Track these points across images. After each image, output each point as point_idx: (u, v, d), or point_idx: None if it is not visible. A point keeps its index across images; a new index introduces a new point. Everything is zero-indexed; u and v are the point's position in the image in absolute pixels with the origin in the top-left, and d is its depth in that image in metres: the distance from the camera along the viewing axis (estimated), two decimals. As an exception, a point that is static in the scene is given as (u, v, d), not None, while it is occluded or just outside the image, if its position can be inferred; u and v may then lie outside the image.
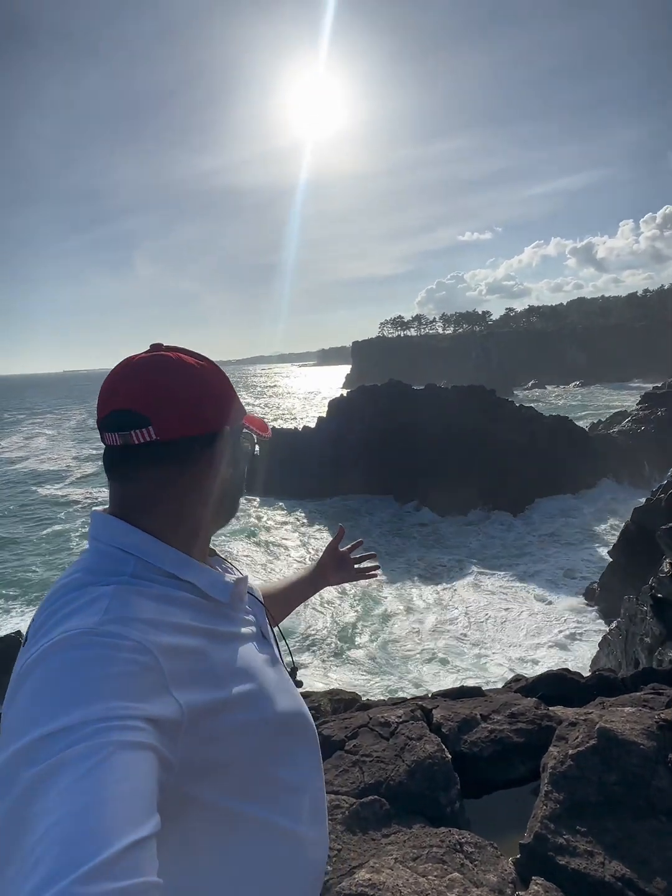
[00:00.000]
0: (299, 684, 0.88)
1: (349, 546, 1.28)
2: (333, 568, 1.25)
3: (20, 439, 58.19)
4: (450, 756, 2.57)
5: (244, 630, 0.74)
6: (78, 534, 24.90)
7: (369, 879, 1.90)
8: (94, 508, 0.72)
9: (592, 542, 20.88)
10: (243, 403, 0.81)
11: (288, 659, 0.88)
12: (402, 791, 2.40)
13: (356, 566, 1.27)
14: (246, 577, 0.79)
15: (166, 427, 0.67)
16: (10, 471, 42.00)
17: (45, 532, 25.60)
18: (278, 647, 0.86)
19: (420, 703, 3.04)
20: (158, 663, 0.55)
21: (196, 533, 0.72)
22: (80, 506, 29.86)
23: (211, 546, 0.90)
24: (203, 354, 0.76)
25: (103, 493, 31.07)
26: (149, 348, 0.74)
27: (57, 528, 26.16)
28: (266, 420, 0.89)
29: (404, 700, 3.31)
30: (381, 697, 4.41)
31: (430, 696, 3.46)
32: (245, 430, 0.81)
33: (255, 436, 0.83)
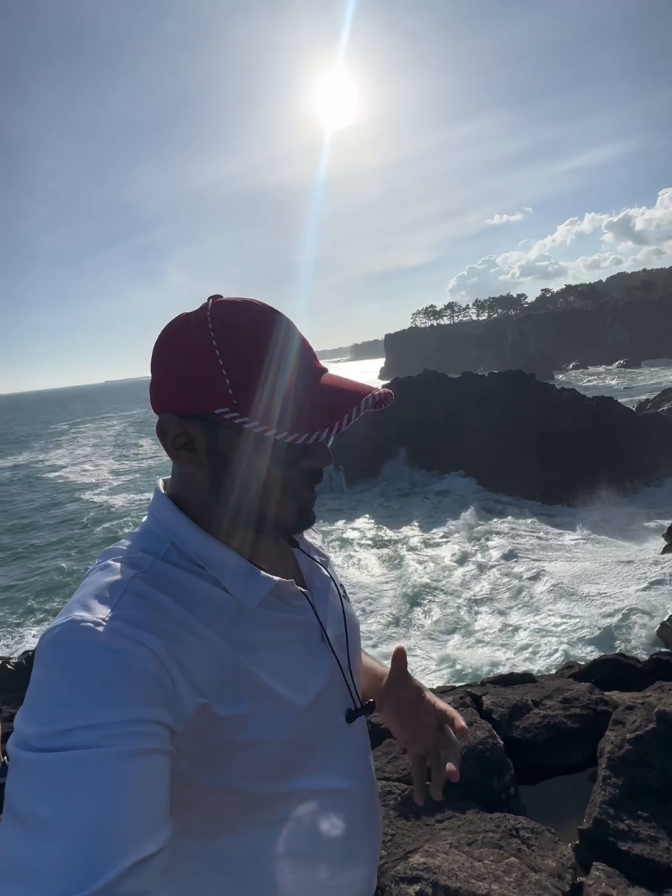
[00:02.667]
0: (370, 709, 0.78)
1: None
2: (395, 700, 0.84)
3: (65, 451, 60.68)
4: (502, 742, 2.53)
5: (288, 633, 0.67)
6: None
7: (424, 863, 1.90)
8: (158, 479, 0.71)
9: (649, 530, 20.05)
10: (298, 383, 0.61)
11: (354, 697, 0.75)
12: (454, 777, 2.38)
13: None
14: (290, 582, 0.69)
15: (158, 403, 0.63)
16: (53, 479, 43.99)
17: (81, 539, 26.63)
18: (351, 648, 0.77)
19: (469, 689, 3.01)
20: (165, 665, 0.53)
21: (237, 527, 0.65)
22: (117, 512, 30.84)
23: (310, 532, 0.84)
24: (269, 308, 0.63)
25: (139, 500, 32.20)
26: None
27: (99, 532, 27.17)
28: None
29: (453, 688, 3.28)
30: (443, 684, 4.39)
31: (479, 683, 3.42)
32: (242, 425, 0.59)
33: (278, 436, 0.58)
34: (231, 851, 0.62)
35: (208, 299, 0.64)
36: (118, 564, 0.60)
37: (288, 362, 0.61)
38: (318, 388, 0.62)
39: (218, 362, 0.59)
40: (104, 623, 0.52)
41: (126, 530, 27.01)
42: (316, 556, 0.81)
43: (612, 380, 69.61)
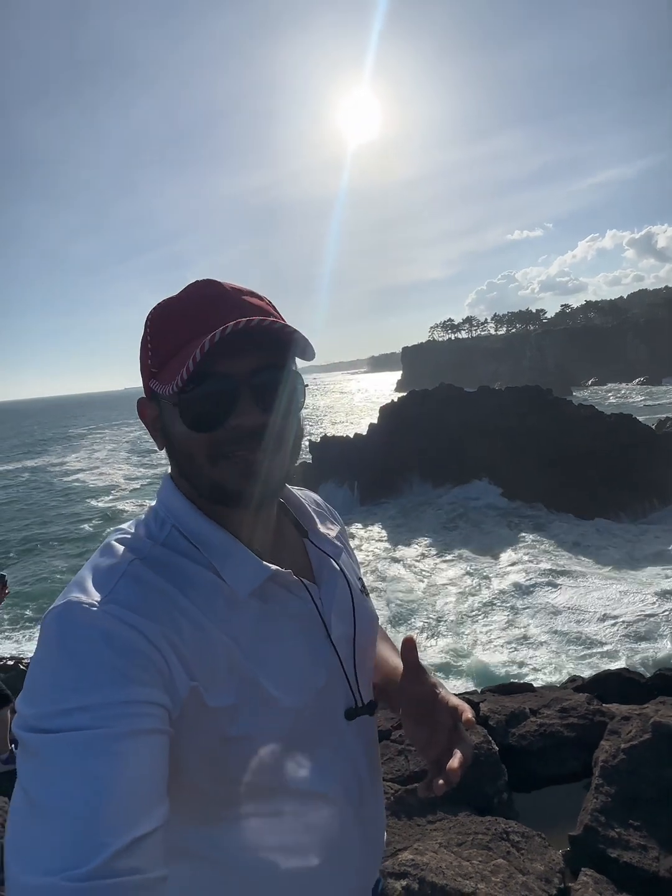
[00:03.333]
0: (372, 708, 0.74)
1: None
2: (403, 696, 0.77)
3: (84, 453, 61.68)
4: (496, 748, 2.55)
5: (275, 629, 0.65)
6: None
7: (412, 860, 1.93)
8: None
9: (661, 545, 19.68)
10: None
11: (356, 695, 0.72)
12: (447, 780, 2.40)
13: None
14: (288, 573, 0.67)
15: (143, 383, 0.67)
16: (68, 482, 44.72)
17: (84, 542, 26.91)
18: (353, 626, 0.73)
19: (467, 696, 3.02)
20: (159, 649, 0.54)
21: (202, 497, 0.65)
22: (125, 518, 31.24)
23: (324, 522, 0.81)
24: (202, 281, 0.65)
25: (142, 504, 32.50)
26: None
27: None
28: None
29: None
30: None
31: (479, 691, 3.42)
32: (162, 388, 0.62)
33: (180, 379, 0.59)
34: (219, 840, 0.62)
35: None
36: (119, 547, 0.61)
37: (188, 327, 0.63)
38: (197, 341, 0.59)
39: (148, 342, 0.66)
40: (99, 606, 0.53)
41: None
42: (327, 548, 0.77)
43: (632, 397, 68.69)
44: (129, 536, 0.64)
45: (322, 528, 0.80)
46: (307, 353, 0.65)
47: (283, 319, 0.66)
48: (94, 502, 36.17)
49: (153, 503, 0.69)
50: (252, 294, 0.66)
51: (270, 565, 0.65)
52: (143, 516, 0.68)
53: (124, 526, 0.67)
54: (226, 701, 0.58)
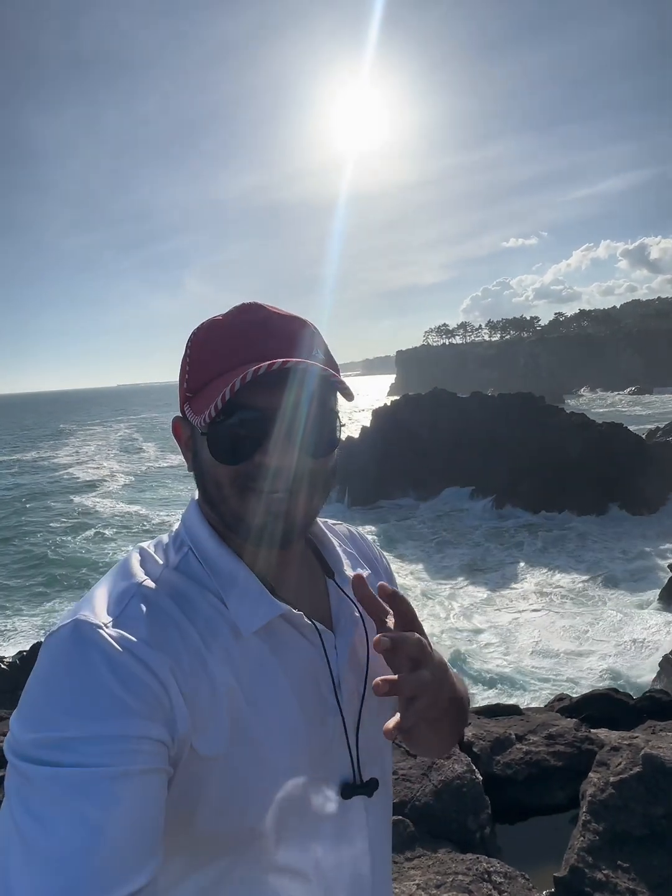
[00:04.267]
0: (372, 787, 0.64)
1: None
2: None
3: (71, 449, 61.36)
4: (480, 778, 2.44)
5: (280, 674, 0.59)
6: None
7: (387, 905, 1.80)
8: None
9: (653, 559, 19.72)
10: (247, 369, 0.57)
11: (355, 770, 0.64)
12: (427, 812, 2.29)
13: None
14: (300, 615, 0.62)
15: (180, 404, 0.66)
16: (56, 477, 44.36)
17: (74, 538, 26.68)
18: (356, 716, 0.64)
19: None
20: (161, 680, 0.51)
21: (225, 527, 0.62)
22: (103, 516, 30.86)
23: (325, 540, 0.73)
24: (246, 305, 0.63)
25: (127, 508, 32.20)
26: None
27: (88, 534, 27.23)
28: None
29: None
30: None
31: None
32: (196, 414, 0.60)
33: (218, 404, 0.56)
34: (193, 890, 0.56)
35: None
36: (135, 567, 0.59)
37: (227, 355, 0.60)
38: (235, 372, 0.57)
39: (186, 365, 0.64)
40: (106, 629, 0.51)
41: (105, 532, 27.14)
42: (349, 591, 0.68)
43: (623, 406, 69.19)
44: (145, 556, 0.61)
45: (349, 571, 0.70)
46: (348, 394, 0.63)
47: (325, 349, 0.65)
48: (76, 498, 35.79)
49: (177, 524, 0.67)
50: (296, 320, 0.64)
51: (281, 604, 0.60)
52: (166, 536, 0.66)
53: (146, 544, 0.64)
54: (216, 749, 0.53)
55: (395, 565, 20.27)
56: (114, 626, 0.51)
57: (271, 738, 0.56)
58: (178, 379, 0.66)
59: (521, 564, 20.07)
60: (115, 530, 27.98)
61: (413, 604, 0.63)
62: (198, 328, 0.64)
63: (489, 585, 18.59)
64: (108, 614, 0.52)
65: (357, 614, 0.68)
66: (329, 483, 0.65)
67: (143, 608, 0.54)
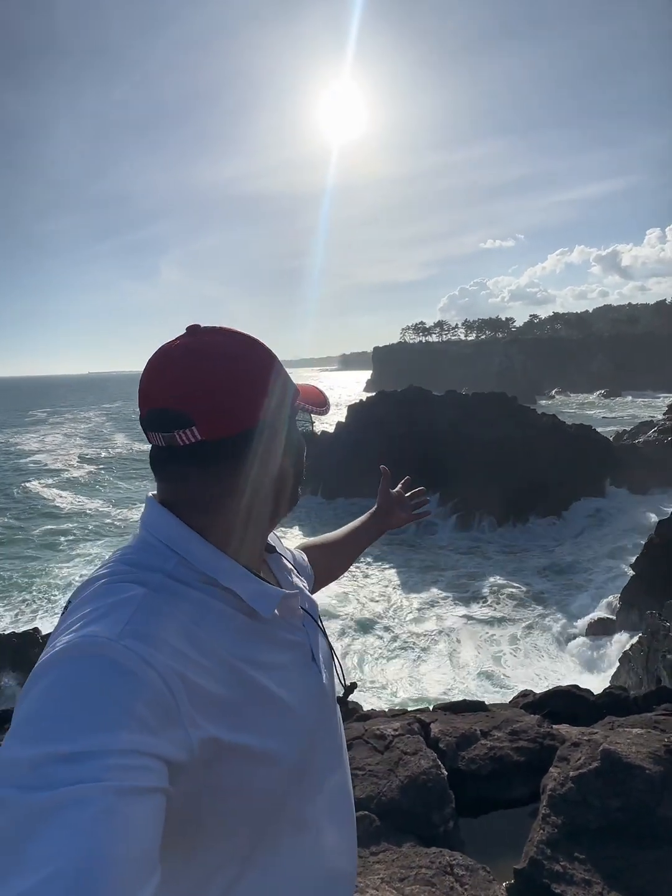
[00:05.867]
0: (352, 689, 0.84)
1: (400, 485, 1.23)
2: (391, 510, 1.19)
3: (38, 436, 59.90)
4: (446, 773, 2.48)
5: (288, 655, 0.67)
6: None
7: (352, 899, 1.83)
8: (148, 493, 0.68)
9: (614, 556, 20.33)
10: (294, 379, 0.71)
11: (339, 682, 0.81)
12: (393, 807, 2.32)
13: (411, 504, 1.22)
14: (298, 593, 0.72)
15: (213, 426, 0.61)
16: (19, 463, 43.30)
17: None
18: (331, 669, 0.78)
19: (418, 716, 2.96)
20: (173, 692, 0.50)
21: (249, 533, 0.66)
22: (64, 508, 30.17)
23: (277, 543, 0.84)
24: (243, 332, 0.67)
25: (89, 500, 31.61)
26: (185, 331, 0.66)
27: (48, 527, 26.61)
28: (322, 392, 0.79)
29: (404, 712, 3.23)
30: (384, 707, 4.32)
31: (430, 709, 3.37)
32: (301, 412, 0.72)
33: (311, 415, 0.74)
34: (247, 876, 0.60)
35: (187, 329, 0.67)
36: (125, 580, 0.57)
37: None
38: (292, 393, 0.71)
39: (284, 373, 0.69)
40: (117, 640, 0.49)
41: (67, 525, 26.58)
42: (298, 580, 0.81)
43: (593, 408, 70.85)
44: (128, 569, 0.60)
45: (296, 580, 0.81)
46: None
47: None
48: (33, 488, 34.91)
49: (139, 533, 0.66)
50: None
51: (282, 589, 0.68)
52: (132, 547, 0.64)
53: (115, 559, 0.62)
54: (246, 734, 0.56)
55: (370, 570, 19.98)
56: (124, 639, 0.50)
57: (293, 715, 0.63)
58: (270, 379, 0.65)
59: (479, 575, 19.92)
60: (74, 524, 27.40)
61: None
62: (258, 341, 0.67)
63: (442, 591, 18.46)
64: (116, 628, 0.51)
65: (297, 581, 0.81)
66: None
67: (149, 618, 0.54)
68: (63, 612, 0.57)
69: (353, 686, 0.92)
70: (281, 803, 0.61)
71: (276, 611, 0.66)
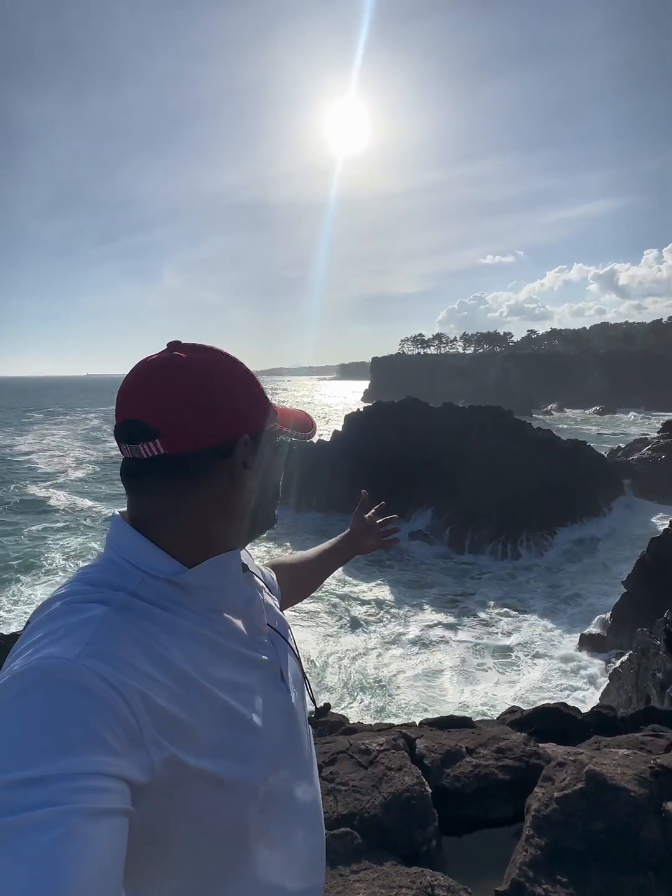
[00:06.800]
0: (325, 711, 0.83)
1: (373, 511, 1.25)
2: (363, 535, 1.22)
3: (34, 438, 59.67)
4: (430, 790, 2.46)
5: (255, 675, 0.66)
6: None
7: (330, 919, 1.80)
8: (115, 511, 0.68)
9: (607, 572, 20.31)
10: (274, 401, 0.72)
11: (311, 704, 0.81)
12: (376, 824, 2.30)
13: (382, 530, 1.25)
14: (262, 606, 0.72)
15: (176, 439, 0.61)
16: (14, 464, 43.10)
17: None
18: (302, 689, 0.77)
19: (404, 731, 2.93)
20: (135, 712, 0.49)
21: (215, 551, 0.65)
22: (59, 511, 30.06)
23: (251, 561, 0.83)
24: (224, 351, 0.68)
25: (86, 501, 31.46)
26: (165, 347, 0.67)
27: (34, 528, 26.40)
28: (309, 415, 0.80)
29: (390, 727, 3.20)
30: (369, 721, 4.28)
31: (416, 724, 3.34)
32: (280, 435, 0.73)
33: (290, 438, 0.75)
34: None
35: (167, 345, 0.68)
36: (86, 600, 0.56)
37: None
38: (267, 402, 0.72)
39: (257, 389, 0.70)
40: (77, 661, 0.48)
41: (53, 527, 26.35)
42: (269, 598, 0.80)
43: (588, 424, 71.14)
44: (89, 589, 0.59)
45: (268, 598, 0.80)
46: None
47: None
48: (30, 490, 34.70)
49: (105, 552, 0.65)
50: None
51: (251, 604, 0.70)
52: (95, 565, 0.64)
53: (77, 579, 0.62)
54: (212, 757, 0.55)
55: (357, 580, 19.57)
56: (84, 659, 0.49)
57: (258, 737, 0.62)
58: (242, 394, 0.67)
59: (470, 589, 19.57)
60: (65, 523, 27.20)
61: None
62: (237, 361, 0.69)
63: (432, 605, 18.15)
64: (76, 648, 0.50)
65: (268, 599, 0.80)
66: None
67: (112, 637, 0.53)
68: (23, 633, 0.56)
69: (326, 707, 0.90)
70: (245, 826, 0.60)
71: (242, 628, 0.66)
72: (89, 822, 0.42)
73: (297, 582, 1.09)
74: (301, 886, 0.68)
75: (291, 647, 0.77)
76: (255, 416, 0.67)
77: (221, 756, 0.57)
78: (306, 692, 0.79)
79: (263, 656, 0.69)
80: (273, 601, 0.82)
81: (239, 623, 0.67)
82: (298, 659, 0.80)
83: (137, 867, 0.49)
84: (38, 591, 18.77)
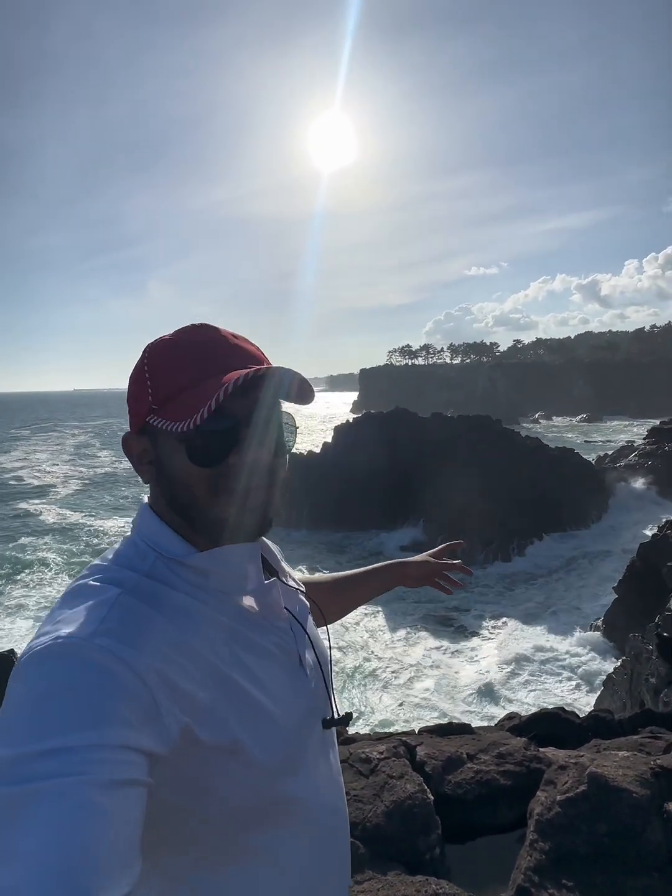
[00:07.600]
0: (346, 720, 0.78)
1: (451, 564, 1.16)
2: (427, 575, 1.14)
3: (21, 453, 58.99)
4: (432, 797, 2.43)
5: (271, 658, 0.66)
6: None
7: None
8: (143, 496, 0.72)
9: (598, 578, 20.41)
10: (216, 379, 0.62)
11: (332, 702, 0.77)
12: (378, 833, 2.27)
13: (440, 576, 1.16)
14: (275, 584, 0.71)
15: (132, 418, 0.67)
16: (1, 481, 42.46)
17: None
18: (321, 677, 0.75)
19: (404, 739, 2.91)
20: (150, 687, 0.51)
21: (208, 532, 0.65)
22: (49, 523, 29.65)
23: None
24: (156, 340, 0.67)
25: (75, 515, 31.06)
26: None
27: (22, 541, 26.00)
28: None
29: (389, 735, 3.17)
30: (368, 731, 4.25)
31: (416, 731, 3.31)
32: (174, 425, 0.61)
33: (190, 425, 0.60)
34: (213, 886, 0.60)
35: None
36: (103, 581, 0.59)
37: (192, 368, 0.64)
38: (212, 382, 0.62)
39: (147, 378, 0.65)
40: (90, 640, 0.50)
41: (43, 539, 26.03)
42: (292, 584, 0.80)
43: (574, 432, 71.90)
44: (109, 569, 0.61)
45: (288, 569, 0.84)
46: (306, 398, 0.70)
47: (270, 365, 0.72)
48: (23, 504, 34.21)
49: (129, 534, 0.68)
50: (246, 340, 0.70)
51: (265, 581, 0.69)
52: (120, 548, 0.66)
53: (100, 560, 0.64)
54: (223, 733, 0.56)
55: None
56: (97, 635, 0.51)
57: (276, 702, 0.63)
58: (131, 393, 0.68)
59: (463, 598, 19.16)
60: (53, 537, 26.81)
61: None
62: (156, 344, 0.67)
63: (425, 614, 18.07)
64: (89, 628, 0.52)
65: (306, 602, 0.80)
66: (284, 479, 0.72)
67: (126, 616, 0.55)
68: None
69: (348, 716, 0.85)
70: (258, 805, 0.61)
71: (257, 611, 0.67)
72: (107, 792, 0.44)
73: (326, 604, 0.99)
74: (319, 871, 0.68)
75: (309, 635, 0.76)
76: (139, 410, 0.66)
77: (234, 733, 0.57)
78: (328, 682, 0.78)
79: (279, 640, 0.69)
80: (300, 598, 0.81)
81: (253, 606, 0.67)
82: (322, 647, 0.79)
83: (151, 841, 0.49)
84: (31, 602, 18.48)
